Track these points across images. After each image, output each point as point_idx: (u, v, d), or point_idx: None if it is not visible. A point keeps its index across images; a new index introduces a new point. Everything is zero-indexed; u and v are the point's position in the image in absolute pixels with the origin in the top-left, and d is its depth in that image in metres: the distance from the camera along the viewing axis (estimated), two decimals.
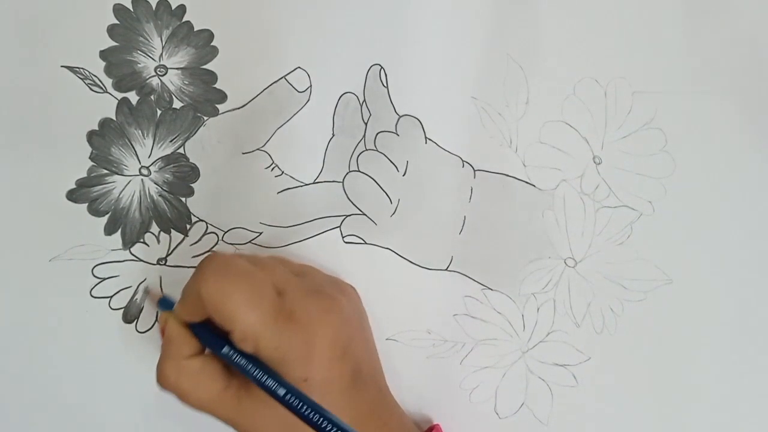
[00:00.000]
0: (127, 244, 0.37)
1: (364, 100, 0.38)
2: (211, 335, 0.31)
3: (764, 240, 0.38)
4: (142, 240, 0.37)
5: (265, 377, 0.30)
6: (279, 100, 0.38)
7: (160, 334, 0.33)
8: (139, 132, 0.37)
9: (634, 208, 0.38)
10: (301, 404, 0.29)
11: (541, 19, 0.38)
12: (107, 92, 0.37)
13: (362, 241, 0.38)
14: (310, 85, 0.38)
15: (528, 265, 0.38)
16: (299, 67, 0.38)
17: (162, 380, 0.31)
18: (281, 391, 0.29)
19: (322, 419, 0.28)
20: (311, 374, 0.30)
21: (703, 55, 0.38)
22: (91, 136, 0.37)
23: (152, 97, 0.37)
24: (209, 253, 0.32)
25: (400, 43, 0.38)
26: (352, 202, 0.38)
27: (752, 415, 0.38)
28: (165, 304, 0.34)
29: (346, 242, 0.38)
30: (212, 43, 0.37)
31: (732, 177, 0.38)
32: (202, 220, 0.38)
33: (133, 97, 0.37)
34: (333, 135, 0.38)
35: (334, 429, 0.28)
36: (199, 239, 0.38)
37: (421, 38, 0.38)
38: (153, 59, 0.37)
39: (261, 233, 0.38)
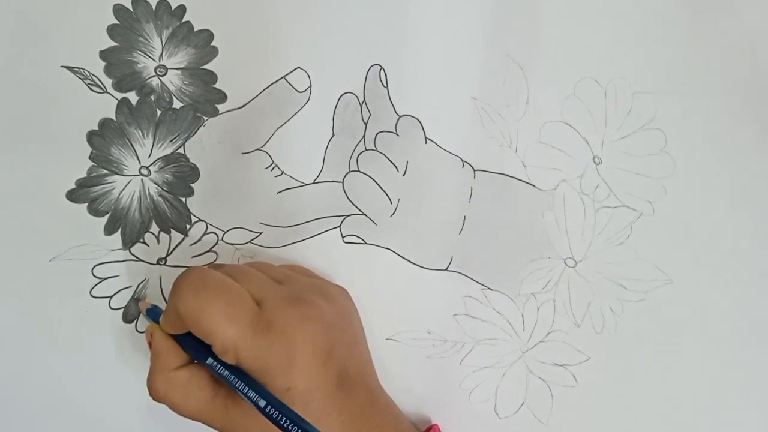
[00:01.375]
0: (127, 244, 0.37)
1: (364, 100, 0.38)
2: (196, 346, 0.32)
3: (764, 240, 0.38)
4: (142, 240, 0.37)
5: (246, 388, 0.30)
6: (279, 100, 0.38)
7: (147, 347, 0.33)
8: (139, 132, 0.37)
9: (634, 208, 0.38)
10: (280, 416, 0.29)
11: (541, 19, 0.38)
12: (107, 92, 0.37)
13: (362, 241, 0.38)
14: (310, 85, 0.38)
15: (528, 265, 0.38)
16: (299, 67, 0.38)
17: (153, 393, 0.32)
18: (262, 403, 0.29)
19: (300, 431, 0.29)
20: (294, 383, 0.30)
21: (703, 55, 0.38)
22: (91, 136, 0.37)
23: (152, 97, 0.37)
24: (186, 268, 0.32)
25: (400, 43, 0.38)
26: (352, 202, 0.38)
27: (752, 414, 0.38)
28: (153, 314, 0.34)
29: (346, 242, 0.38)
30: (212, 43, 0.37)
31: (732, 177, 0.38)
32: (202, 220, 0.38)
33: (133, 97, 0.37)
34: (333, 135, 0.38)
35: None
36: (199, 239, 0.38)
37: (421, 38, 0.38)
38: (153, 59, 0.37)
39: (261, 233, 0.38)
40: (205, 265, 0.38)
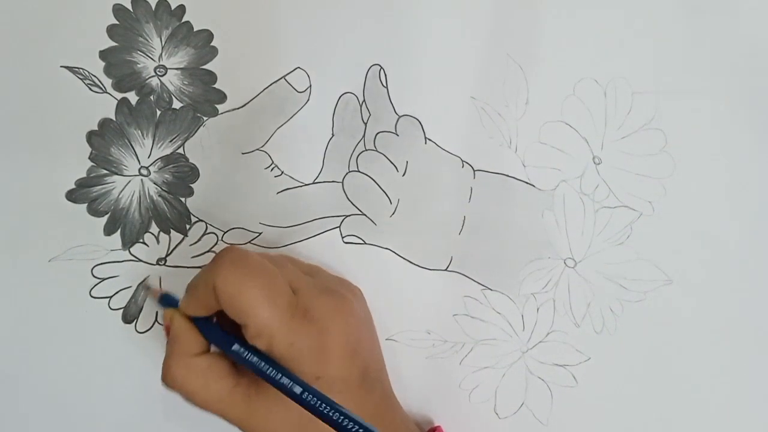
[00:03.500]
0: (127, 244, 0.37)
1: (364, 100, 0.38)
2: (219, 332, 0.31)
3: (764, 240, 0.38)
4: (141, 240, 0.37)
5: (279, 375, 0.29)
6: (279, 100, 0.38)
7: (164, 332, 0.33)
8: (139, 132, 0.37)
9: (634, 208, 0.38)
10: (318, 402, 0.28)
11: (541, 19, 0.38)
12: (107, 92, 0.37)
13: (362, 242, 0.38)
14: (310, 85, 0.38)
15: (528, 265, 0.38)
16: (299, 67, 0.38)
17: (168, 379, 0.31)
18: (297, 389, 0.29)
19: (341, 417, 0.28)
20: (324, 372, 0.30)
21: (703, 55, 0.38)
22: (90, 136, 0.37)
23: (152, 97, 0.37)
24: (225, 246, 0.31)
25: (400, 43, 0.38)
26: (351, 203, 0.38)
27: (752, 414, 0.38)
28: (167, 301, 0.34)
29: (346, 242, 0.38)
30: (212, 44, 0.37)
31: (732, 177, 0.38)
32: (201, 220, 0.38)
33: (132, 97, 0.37)
34: (333, 135, 0.38)
35: (354, 426, 0.28)
36: (199, 239, 0.38)
37: (421, 38, 0.38)
38: (152, 59, 0.37)
39: (260, 233, 0.38)
40: (198, 268, 0.37)
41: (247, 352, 0.30)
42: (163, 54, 0.37)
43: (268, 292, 0.30)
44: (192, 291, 0.31)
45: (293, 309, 0.30)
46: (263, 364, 0.30)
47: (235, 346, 0.30)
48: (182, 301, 0.32)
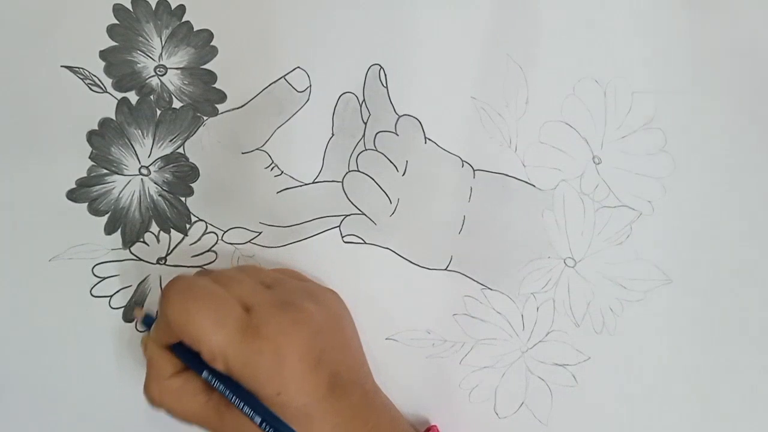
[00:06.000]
0: (127, 243, 0.37)
1: (364, 100, 0.38)
2: (191, 357, 0.32)
3: (764, 240, 0.38)
4: (141, 239, 0.37)
5: (242, 403, 0.30)
6: (278, 100, 0.38)
7: (143, 354, 0.34)
8: (139, 132, 0.37)
9: (634, 208, 0.38)
10: None
11: (541, 19, 0.38)
12: (107, 92, 0.37)
13: (362, 241, 0.38)
14: (310, 85, 0.38)
15: (527, 264, 0.38)
16: (299, 67, 0.38)
17: (149, 400, 0.33)
18: (257, 419, 0.30)
19: None
20: (283, 388, 0.30)
21: (703, 55, 0.38)
22: (91, 135, 0.37)
23: (152, 97, 0.37)
24: (174, 276, 0.33)
25: (400, 43, 0.38)
26: (351, 202, 0.38)
27: (752, 414, 0.38)
28: (148, 322, 0.35)
29: (346, 242, 0.38)
30: (212, 43, 0.37)
31: (732, 177, 0.38)
32: (201, 220, 0.38)
33: (132, 97, 0.37)
34: (332, 135, 0.38)
35: None
36: (199, 239, 0.38)
37: (421, 38, 0.38)
38: (153, 59, 0.37)
39: (260, 233, 0.38)
40: (197, 267, 0.38)
41: (215, 380, 0.31)
42: (163, 54, 0.37)
43: (215, 316, 0.30)
44: (155, 323, 0.33)
45: (244, 329, 0.30)
46: (228, 392, 0.31)
47: (205, 373, 0.32)
48: (152, 330, 0.33)
